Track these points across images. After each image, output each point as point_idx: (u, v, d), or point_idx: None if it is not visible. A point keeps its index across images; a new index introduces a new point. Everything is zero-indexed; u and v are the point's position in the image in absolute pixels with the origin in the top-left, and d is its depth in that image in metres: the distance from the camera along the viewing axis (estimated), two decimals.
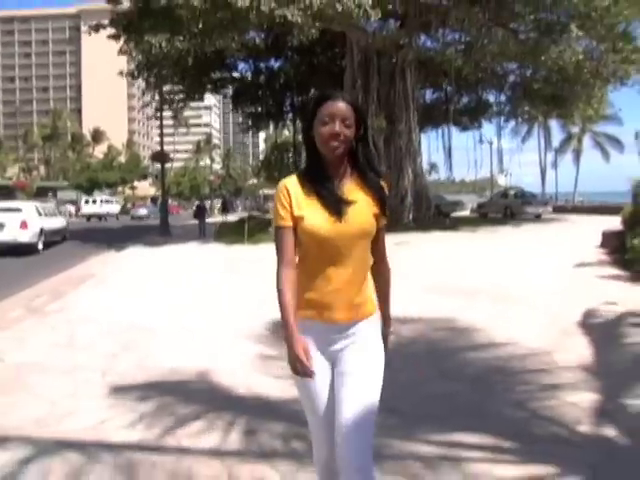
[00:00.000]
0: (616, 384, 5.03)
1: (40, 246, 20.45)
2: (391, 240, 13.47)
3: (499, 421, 4.35)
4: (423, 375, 5.48)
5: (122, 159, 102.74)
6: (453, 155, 36.61)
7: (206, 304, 9.70)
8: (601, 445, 3.94)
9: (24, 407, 4.85)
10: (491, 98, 38.28)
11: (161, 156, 30.69)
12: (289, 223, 2.43)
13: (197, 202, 40.15)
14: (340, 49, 30.79)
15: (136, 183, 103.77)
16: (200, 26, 20.12)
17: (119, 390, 5.22)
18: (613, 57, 26.17)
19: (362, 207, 2.43)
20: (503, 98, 37.83)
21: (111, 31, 26.80)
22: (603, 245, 15.55)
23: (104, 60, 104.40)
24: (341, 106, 2.41)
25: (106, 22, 26.95)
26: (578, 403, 4.58)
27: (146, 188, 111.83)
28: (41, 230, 20.55)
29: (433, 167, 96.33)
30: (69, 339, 7.28)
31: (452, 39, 30.04)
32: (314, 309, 2.44)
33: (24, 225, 19.58)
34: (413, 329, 7.13)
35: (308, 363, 2.36)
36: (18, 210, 20.60)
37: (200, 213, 29.43)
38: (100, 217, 54.62)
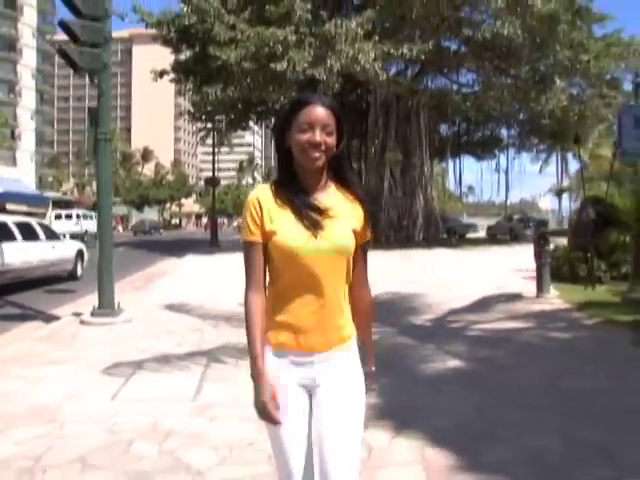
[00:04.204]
0: (458, 315, 9.94)
1: None
2: (399, 254, 19.87)
3: (392, 316, 9.30)
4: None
5: (169, 177, 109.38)
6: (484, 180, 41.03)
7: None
8: (433, 323, 8.95)
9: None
10: (503, 132, 43.16)
11: (213, 180, 36.38)
12: (258, 238, 2.18)
13: None
14: (366, 90, 35.77)
15: (182, 200, 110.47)
16: (248, 81, 25.56)
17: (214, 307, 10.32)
18: (597, 102, 30.77)
19: (341, 221, 2.18)
20: (513, 132, 42.73)
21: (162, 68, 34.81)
22: None
23: (153, 83, 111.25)
24: (321, 112, 2.14)
25: (168, 68, 33.33)
26: (430, 319, 9.56)
27: (191, 205, 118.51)
28: None
29: (470, 190, 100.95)
30: (170, 299, 12.35)
31: (464, 81, 35.15)
32: (288, 334, 2.18)
33: None
34: (387, 296, 12.06)
35: (275, 413, 2.14)
36: None
37: None
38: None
